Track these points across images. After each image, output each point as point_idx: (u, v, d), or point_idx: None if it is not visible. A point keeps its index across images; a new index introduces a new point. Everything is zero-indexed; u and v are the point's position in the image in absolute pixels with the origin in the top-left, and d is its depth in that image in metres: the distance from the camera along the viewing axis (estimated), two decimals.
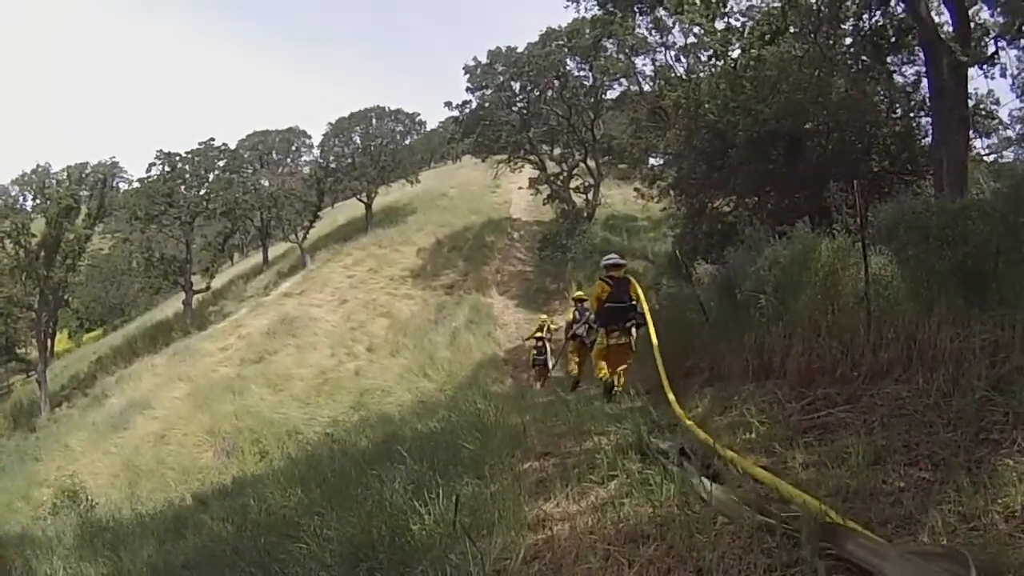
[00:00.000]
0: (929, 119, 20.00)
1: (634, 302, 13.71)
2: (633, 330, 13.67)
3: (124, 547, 10.76)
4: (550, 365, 23.87)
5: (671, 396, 10.18)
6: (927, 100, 20.02)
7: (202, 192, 54.13)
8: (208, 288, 53.72)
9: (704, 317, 12.41)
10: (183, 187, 53.41)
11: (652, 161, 44.40)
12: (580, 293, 20.76)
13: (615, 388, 13.25)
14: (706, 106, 22.68)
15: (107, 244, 59.15)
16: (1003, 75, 20.87)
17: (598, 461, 6.97)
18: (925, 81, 20.00)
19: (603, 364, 13.78)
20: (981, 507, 4.33)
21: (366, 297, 42.51)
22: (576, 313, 19.63)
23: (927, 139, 19.85)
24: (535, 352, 24.73)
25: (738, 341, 10.23)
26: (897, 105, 21.62)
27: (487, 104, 48.49)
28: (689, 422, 8.68)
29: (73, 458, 29.35)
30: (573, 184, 49.25)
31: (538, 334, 24.88)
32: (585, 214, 46.51)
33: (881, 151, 19.97)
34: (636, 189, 45.10)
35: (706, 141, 22.10)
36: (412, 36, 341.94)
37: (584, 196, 48.60)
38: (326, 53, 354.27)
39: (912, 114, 21.38)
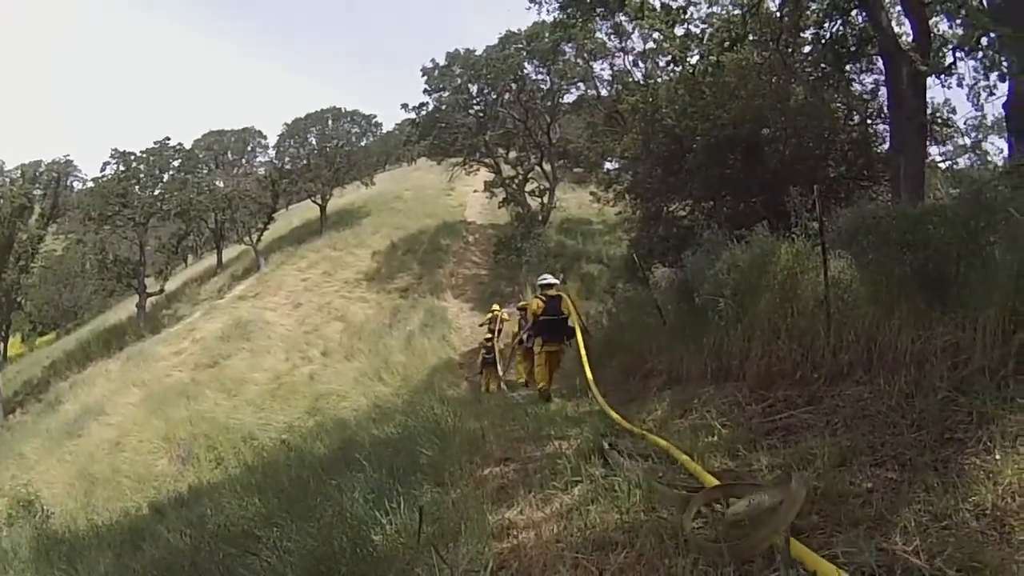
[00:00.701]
0: (886, 126, 20.30)
1: (566, 316, 15.78)
2: (567, 340, 15.59)
3: (80, 560, 10.57)
4: (499, 368, 23.72)
5: (594, 389, 11.64)
6: (884, 108, 20.25)
7: (156, 192, 53.31)
8: (162, 291, 52.90)
9: (662, 320, 12.45)
10: (137, 187, 52.66)
11: (608, 165, 44.49)
12: (525, 303, 21.23)
13: (546, 388, 15.08)
14: (664, 110, 22.73)
15: (60, 245, 58.62)
16: (960, 85, 21.13)
17: (560, 466, 6.88)
18: (883, 89, 20.17)
19: (544, 372, 15.61)
20: (952, 506, 4.28)
21: (320, 300, 42.24)
22: (522, 321, 19.81)
23: (884, 146, 20.06)
24: (484, 352, 24.96)
25: (696, 344, 10.28)
26: (855, 112, 21.75)
27: (443, 106, 48.07)
28: (605, 404, 10.35)
29: (28, 466, 28.80)
30: (528, 188, 48.88)
31: (488, 335, 25.19)
32: (540, 217, 46.22)
33: (838, 157, 20.13)
34: (592, 192, 45.26)
35: (663, 146, 22.09)
36: (376, 35, 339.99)
37: (539, 199, 48.35)
38: (285, 48, 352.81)
39: (869, 121, 21.53)
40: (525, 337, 18.45)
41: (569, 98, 47.87)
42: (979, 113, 24.72)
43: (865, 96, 22.14)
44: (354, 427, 16.93)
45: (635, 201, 27.39)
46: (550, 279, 17.07)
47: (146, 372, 36.51)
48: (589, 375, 12.62)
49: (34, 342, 67.57)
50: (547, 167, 48.82)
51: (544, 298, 16.04)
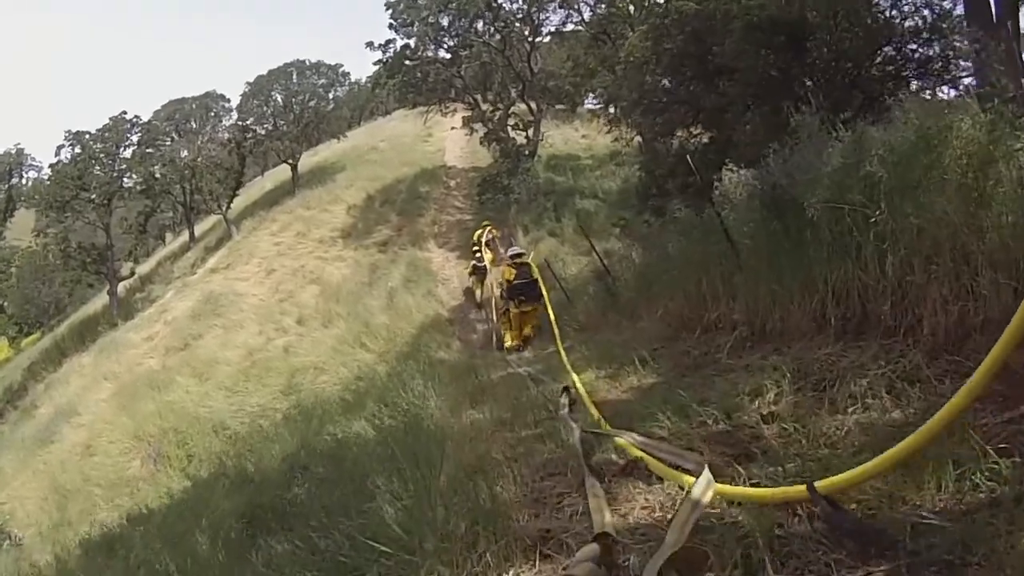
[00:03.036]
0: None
1: (535, 279, 19.43)
2: (539, 300, 19.25)
3: None
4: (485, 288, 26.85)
5: (563, 355, 12.16)
6: None
7: (115, 172, 50.70)
8: (132, 274, 50.90)
9: (732, 249, 8.92)
10: (97, 168, 49.88)
11: (591, 100, 42.64)
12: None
13: (520, 344, 18.82)
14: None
15: (41, 241, 56.46)
16: None
17: None
18: None
19: (517, 332, 19.32)
20: None
21: (294, 264, 39.44)
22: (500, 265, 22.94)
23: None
24: (475, 261, 27.76)
25: (799, 280, 6.99)
26: None
27: (412, 40, 44.34)
28: (576, 379, 9.34)
29: (5, 482, 26.48)
30: (511, 123, 45.23)
31: (475, 247, 28.28)
32: (527, 151, 42.57)
33: (899, 43, 16.70)
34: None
35: (680, 44, 18.63)
36: None
37: (524, 133, 44.66)
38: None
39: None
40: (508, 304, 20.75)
41: (552, 20, 44.46)
42: None
43: None
44: (318, 421, 14.56)
45: (646, 117, 24.00)
46: (519, 249, 21.50)
47: (117, 363, 33.98)
48: (558, 336, 15.85)
49: (20, 344, 64.86)
50: (530, 102, 45.61)
51: (514, 266, 19.46)
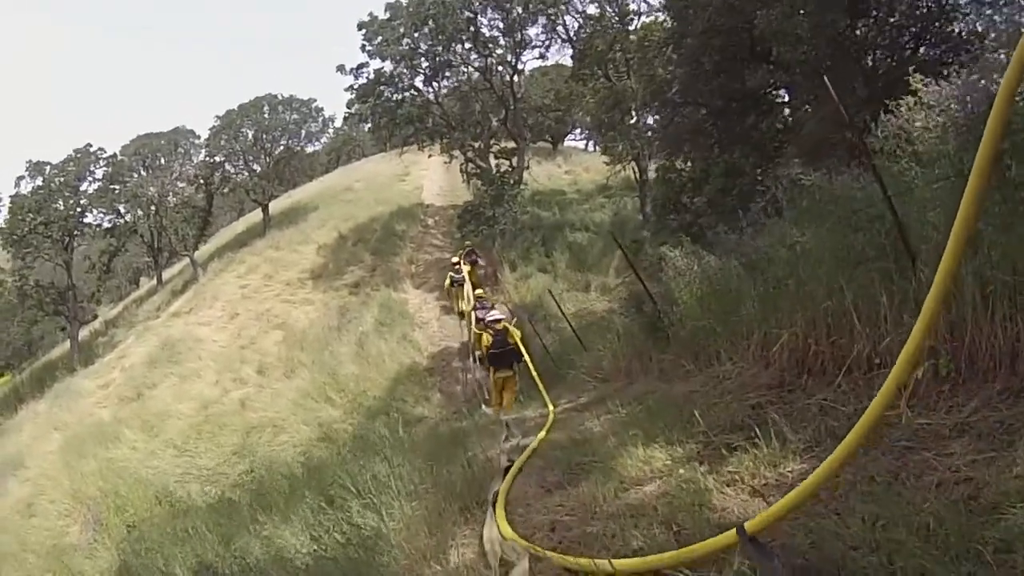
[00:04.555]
0: None
1: (512, 346, 19.20)
2: (517, 365, 19.23)
3: None
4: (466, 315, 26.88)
5: (546, 397, 14.77)
6: None
7: (79, 206, 48.52)
8: (95, 317, 48.67)
9: (902, 238, 5.69)
10: (61, 202, 47.66)
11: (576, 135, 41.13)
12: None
13: (502, 408, 17.98)
14: None
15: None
16: None
17: None
18: None
19: (499, 396, 19.09)
20: None
21: (259, 308, 36.86)
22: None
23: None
24: (452, 273, 29.44)
25: None
26: None
27: (387, 63, 41.58)
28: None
29: None
30: (493, 150, 43.20)
31: (455, 261, 30.02)
32: (512, 180, 39.71)
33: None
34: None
35: (711, 15, 16.41)
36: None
37: (508, 161, 42.23)
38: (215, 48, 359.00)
39: None
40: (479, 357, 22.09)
41: (535, 41, 41.87)
42: None
43: None
44: (249, 510, 11.76)
45: (661, 113, 22.24)
46: (497, 315, 21.01)
47: (69, 412, 31.78)
48: (542, 387, 16.47)
49: None
50: (512, 128, 42.89)
51: (493, 333, 19.46)
